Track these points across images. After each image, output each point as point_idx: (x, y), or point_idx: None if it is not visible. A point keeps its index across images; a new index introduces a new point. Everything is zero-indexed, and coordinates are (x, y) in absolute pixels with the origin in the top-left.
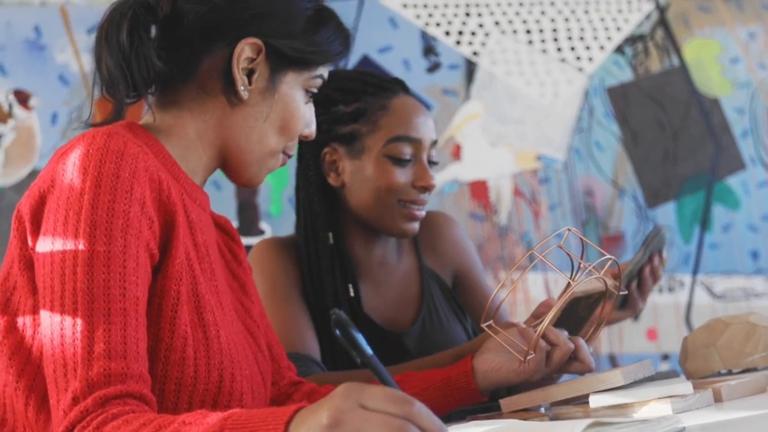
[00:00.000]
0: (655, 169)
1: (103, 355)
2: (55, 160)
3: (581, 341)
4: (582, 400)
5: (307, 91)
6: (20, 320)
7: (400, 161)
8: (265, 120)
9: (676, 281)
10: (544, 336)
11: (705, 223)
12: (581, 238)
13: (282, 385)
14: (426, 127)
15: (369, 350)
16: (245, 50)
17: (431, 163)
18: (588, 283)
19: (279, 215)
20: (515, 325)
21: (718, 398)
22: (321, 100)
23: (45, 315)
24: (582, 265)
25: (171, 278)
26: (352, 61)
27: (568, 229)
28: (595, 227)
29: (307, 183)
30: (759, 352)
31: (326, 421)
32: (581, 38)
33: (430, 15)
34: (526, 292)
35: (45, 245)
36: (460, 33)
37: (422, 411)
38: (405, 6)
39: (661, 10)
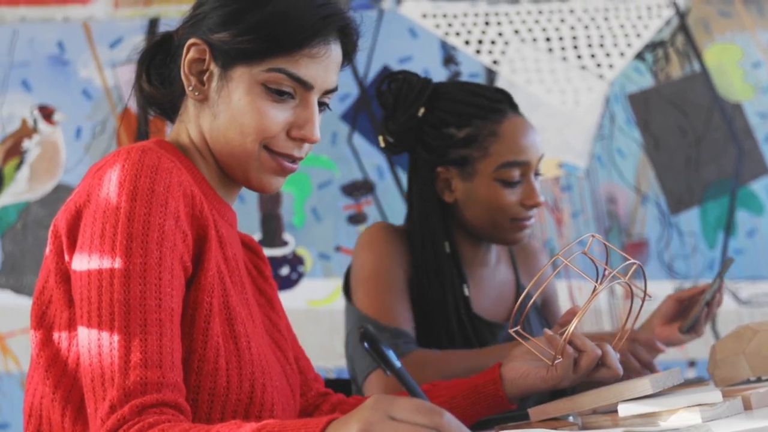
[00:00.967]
0: (677, 175)
1: (140, 365)
2: (91, 176)
3: (608, 347)
4: (610, 408)
5: (266, 86)
6: (56, 333)
7: (510, 183)
8: (224, 117)
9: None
10: (571, 342)
11: (729, 228)
12: (605, 244)
13: (310, 397)
14: (533, 147)
15: (398, 363)
16: (191, 52)
17: (537, 175)
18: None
19: (302, 226)
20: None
21: (747, 406)
22: (434, 121)
23: (83, 326)
24: (607, 271)
25: (204, 290)
26: (372, 72)
27: (592, 236)
28: (618, 234)
29: (423, 198)
30: None
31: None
32: (601, 45)
33: (450, 25)
34: None
35: (82, 259)
36: (480, 42)
37: (451, 421)
38: (424, 16)
39: (681, 15)
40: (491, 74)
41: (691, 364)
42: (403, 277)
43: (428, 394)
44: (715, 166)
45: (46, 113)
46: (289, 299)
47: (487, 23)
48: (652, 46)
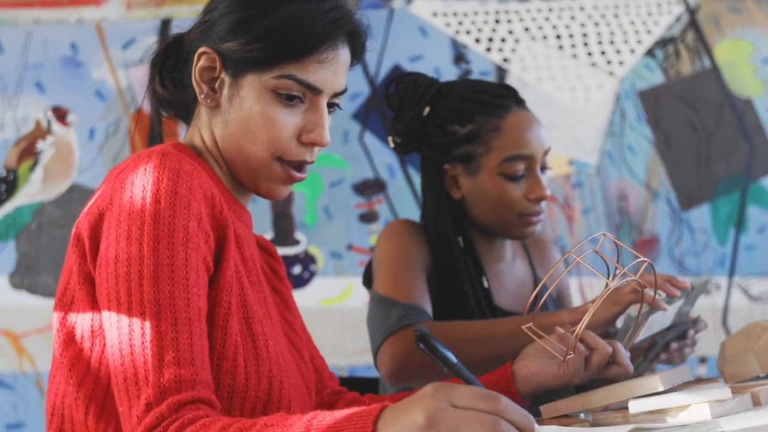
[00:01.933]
0: (688, 171)
1: (173, 363)
2: (112, 179)
3: (619, 345)
4: (621, 405)
5: (276, 92)
6: (78, 332)
7: (514, 178)
8: (235, 124)
9: (712, 284)
10: (582, 340)
11: (740, 224)
12: (616, 243)
13: (325, 394)
14: (538, 141)
15: (454, 358)
16: (201, 60)
17: (544, 169)
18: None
19: (314, 225)
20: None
21: (756, 402)
22: (437, 119)
23: (111, 327)
24: (618, 269)
25: (223, 289)
26: (383, 71)
27: (603, 234)
28: (629, 231)
29: (433, 195)
30: None
31: (423, 421)
32: (611, 42)
33: (460, 23)
34: None
35: (107, 260)
36: (491, 40)
37: (509, 405)
38: (435, 15)
39: (692, 11)
40: (502, 72)
41: (702, 360)
42: (422, 264)
43: None
44: (725, 162)
45: (60, 114)
46: (301, 298)
47: (497, 21)
48: (663, 42)
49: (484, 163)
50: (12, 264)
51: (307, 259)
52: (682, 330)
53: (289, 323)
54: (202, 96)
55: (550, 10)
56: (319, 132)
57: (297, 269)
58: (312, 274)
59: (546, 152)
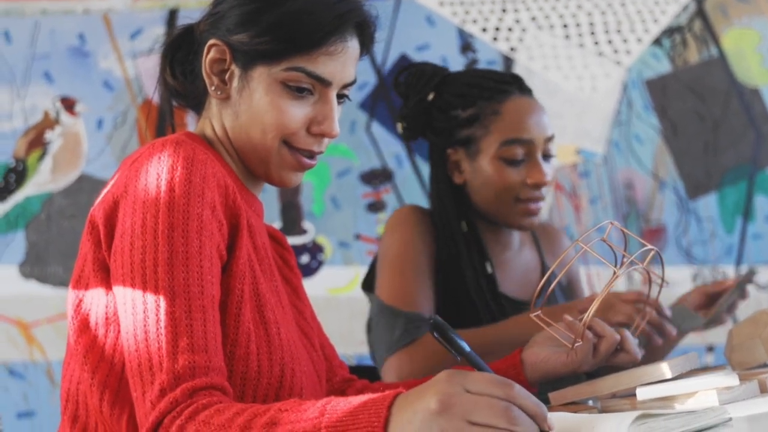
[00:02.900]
0: (695, 160)
1: (188, 349)
2: (127, 168)
3: (627, 333)
4: (629, 392)
5: (286, 85)
6: (93, 319)
7: (513, 162)
8: (246, 116)
9: (720, 272)
10: (590, 327)
11: (747, 213)
12: (623, 231)
13: (335, 382)
14: (538, 127)
15: (467, 347)
16: (211, 52)
17: (547, 157)
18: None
19: (321, 215)
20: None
21: (764, 389)
22: (441, 104)
23: (126, 313)
24: (625, 258)
25: (236, 277)
26: (390, 60)
27: (611, 223)
28: (636, 220)
29: (437, 180)
30: None
31: (435, 405)
32: (618, 31)
33: (467, 12)
34: None
35: (123, 247)
36: (497, 29)
37: (522, 392)
38: (441, 4)
39: (699, 0)
40: (508, 61)
41: (710, 349)
42: (428, 261)
43: None
44: (733, 151)
45: (68, 104)
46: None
47: (504, 10)
48: (670, 31)
49: (484, 146)
50: (22, 254)
51: (314, 249)
52: (742, 289)
53: (299, 312)
54: (213, 88)
55: None
56: (328, 124)
57: (305, 259)
58: (320, 264)
59: (548, 139)
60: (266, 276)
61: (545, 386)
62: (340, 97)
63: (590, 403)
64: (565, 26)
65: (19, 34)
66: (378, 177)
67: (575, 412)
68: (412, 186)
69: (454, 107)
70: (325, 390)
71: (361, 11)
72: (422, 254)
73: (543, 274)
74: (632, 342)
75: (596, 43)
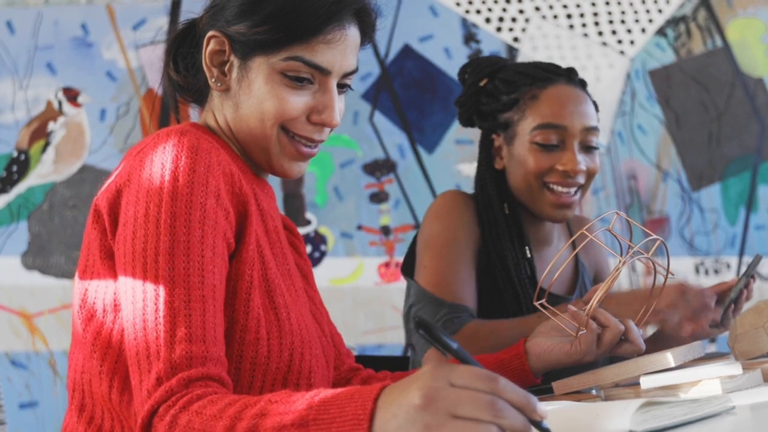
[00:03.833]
0: (699, 151)
1: (185, 339)
2: (132, 158)
3: (631, 323)
4: (633, 381)
5: (285, 74)
6: (100, 306)
7: (546, 147)
8: (245, 106)
9: (723, 263)
10: (594, 318)
11: (750, 204)
12: (628, 221)
13: (342, 370)
14: (576, 115)
15: (454, 344)
16: (211, 44)
17: (590, 148)
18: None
19: (324, 205)
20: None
21: (767, 378)
22: (491, 90)
23: (127, 302)
24: (630, 247)
25: (245, 263)
26: (393, 51)
27: (616, 213)
28: (639, 210)
29: (480, 165)
30: None
31: (419, 401)
32: (622, 21)
33: (470, 2)
34: None
35: (125, 236)
36: (501, 19)
37: (507, 385)
38: None
39: None
40: (512, 52)
41: (712, 340)
42: (471, 249)
43: None
44: (736, 141)
45: (71, 95)
46: None
47: (507, 0)
48: (674, 21)
49: (519, 130)
50: (24, 244)
51: (317, 239)
52: (750, 275)
53: (310, 297)
54: (213, 79)
55: None
56: (329, 113)
57: (307, 249)
58: (322, 254)
59: (588, 129)
60: (278, 260)
61: (550, 376)
62: (342, 86)
63: (594, 392)
64: (568, 16)
65: (22, 25)
66: (381, 168)
67: (579, 401)
68: (415, 177)
69: (500, 93)
70: (332, 376)
71: None
72: (465, 242)
73: (577, 268)
74: (636, 333)
75: (600, 33)
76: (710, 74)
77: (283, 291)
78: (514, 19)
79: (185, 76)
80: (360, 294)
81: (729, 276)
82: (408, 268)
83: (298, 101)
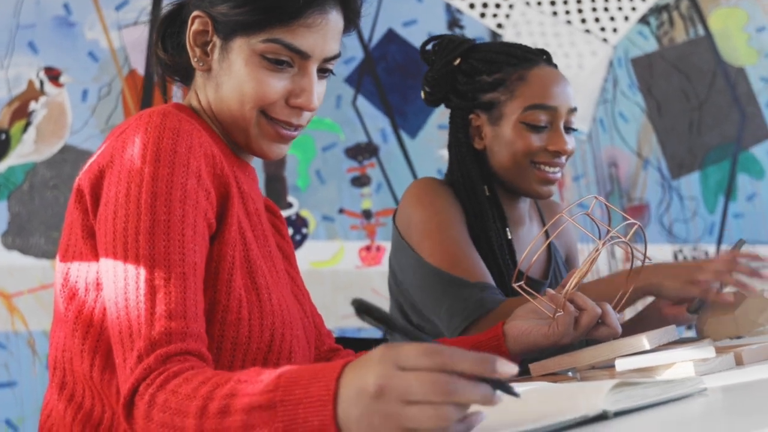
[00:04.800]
0: (679, 139)
1: (164, 316)
2: (114, 138)
3: (608, 307)
4: (608, 363)
5: (264, 57)
6: (82, 285)
7: (535, 128)
8: (225, 87)
9: (701, 251)
10: (572, 301)
11: (729, 192)
12: (607, 206)
13: (322, 351)
14: (563, 96)
15: (397, 321)
16: (195, 24)
17: (569, 129)
18: None
19: (306, 188)
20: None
21: (739, 362)
22: (467, 69)
23: (109, 281)
24: (609, 231)
25: (227, 244)
26: (377, 35)
27: (595, 197)
28: (619, 198)
29: (458, 144)
30: None
31: (372, 388)
32: (605, 9)
33: None
34: None
35: (107, 216)
36: (485, 5)
37: (455, 354)
38: None
39: None
40: (495, 37)
41: (689, 328)
42: (464, 227)
43: None
44: (717, 130)
45: (53, 75)
46: None
47: None
48: (657, 9)
49: (507, 111)
50: (4, 224)
51: (299, 222)
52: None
53: (291, 278)
54: (195, 59)
55: None
56: (306, 97)
57: (289, 232)
58: (304, 237)
59: (571, 110)
60: (259, 242)
61: (527, 359)
62: (324, 71)
63: (570, 374)
64: (552, 3)
65: (4, 3)
66: (363, 152)
67: (555, 382)
68: (396, 161)
69: (480, 72)
70: (313, 356)
71: None
72: (460, 223)
73: (549, 250)
74: (613, 316)
75: (583, 20)
76: (692, 63)
77: (265, 272)
78: (498, 5)
79: (172, 55)
80: (340, 277)
81: None
82: (398, 256)
83: (276, 84)
